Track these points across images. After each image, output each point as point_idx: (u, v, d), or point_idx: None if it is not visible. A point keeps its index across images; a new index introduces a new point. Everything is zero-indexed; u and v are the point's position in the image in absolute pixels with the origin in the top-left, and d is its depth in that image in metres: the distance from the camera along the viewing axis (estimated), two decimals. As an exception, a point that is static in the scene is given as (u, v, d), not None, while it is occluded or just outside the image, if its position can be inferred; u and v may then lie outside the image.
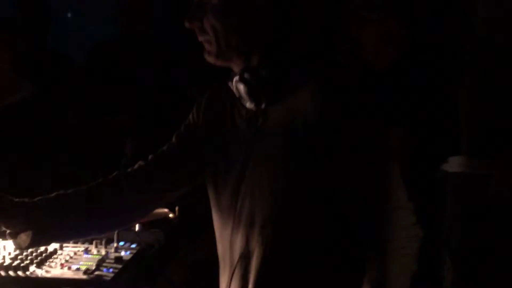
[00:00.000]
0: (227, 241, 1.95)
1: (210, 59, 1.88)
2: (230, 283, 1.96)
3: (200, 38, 1.87)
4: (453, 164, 2.71)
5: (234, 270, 1.94)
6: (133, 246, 2.38)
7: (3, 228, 2.00)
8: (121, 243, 2.40)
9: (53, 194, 1.99)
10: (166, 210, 2.70)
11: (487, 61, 2.79)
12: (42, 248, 2.27)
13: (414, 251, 1.75)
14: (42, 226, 1.94)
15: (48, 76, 4.15)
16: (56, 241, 2.25)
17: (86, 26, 5.03)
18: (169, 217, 2.69)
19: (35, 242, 1.95)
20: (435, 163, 2.74)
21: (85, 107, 4.22)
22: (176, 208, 2.71)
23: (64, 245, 2.35)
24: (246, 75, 1.84)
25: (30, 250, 2.22)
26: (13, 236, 1.93)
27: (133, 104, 4.20)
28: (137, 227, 2.53)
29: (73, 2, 5.08)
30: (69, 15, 5.01)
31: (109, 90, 4.37)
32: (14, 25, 3.39)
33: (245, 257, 1.90)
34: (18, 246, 1.96)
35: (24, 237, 1.92)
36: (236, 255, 1.92)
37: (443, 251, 2.81)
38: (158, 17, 4.67)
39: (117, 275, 2.09)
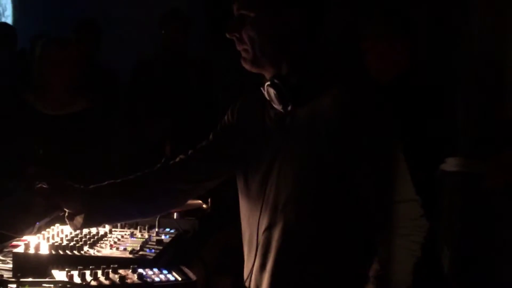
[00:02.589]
0: (255, 226, 1.96)
1: (246, 65, 1.90)
2: (254, 262, 1.97)
3: (239, 47, 1.89)
4: (451, 164, 2.68)
5: (258, 247, 1.95)
6: (172, 231, 2.40)
7: (61, 213, 2.05)
8: (162, 229, 2.41)
9: (104, 183, 2.03)
10: (200, 201, 2.71)
11: (481, 73, 2.79)
12: (94, 232, 2.29)
13: (421, 239, 1.77)
14: (94, 209, 1.98)
15: (101, 88, 4.19)
16: (105, 223, 2.28)
17: (131, 45, 5.06)
18: (203, 208, 2.71)
19: (88, 223, 1.99)
20: (435, 163, 2.74)
21: (132, 115, 4.27)
22: (209, 200, 2.71)
23: (113, 229, 2.38)
24: (276, 81, 1.86)
25: (83, 233, 2.25)
26: (70, 218, 1.98)
27: (172, 111, 4.23)
28: (175, 215, 2.55)
29: (120, 24, 5.13)
30: (116, 35, 5.05)
31: (152, 99, 4.41)
32: (73, 44, 3.42)
33: (268, 234, 1.91)
34: (73, 227, 2.00)
35: (79, 219, 1.96)
36: (261, 236, 1.94)
37: (441, 242, 2.80)
38: (193, 39, 4.71)
39: (158, 255, 2.10)
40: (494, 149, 2.67)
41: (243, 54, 1.90)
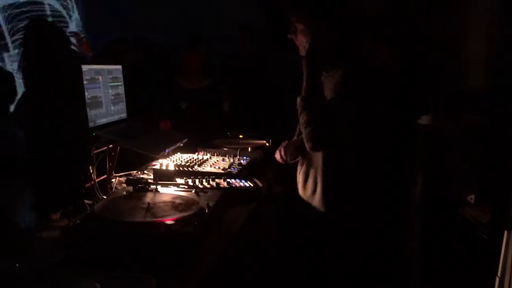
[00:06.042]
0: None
1: (302, 53, 1.91)
2: (300, 170, 1.99)
3: (296, 43, 1.91)
4: (423, 120, 2.65)
5: (302, 165, 1.97)
6: (247, 158, 2.44)
7: (181, 145, 2.14)
8: (241, 157, 2.46)
9: None
10: (264, 141, 2.77)
11: (443, 64, 2.73)
12: (200, 157, 2.37)
13: None
14: None
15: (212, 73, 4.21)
16: None
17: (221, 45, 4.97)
18: (266, 145, 2.75)
19: None
20: (415, 119, 2.70)
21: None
22: (270, 140, 2.77)
23: (212, 156, 2.45)
24: None
25: (194, 158, 2.32)
26: None
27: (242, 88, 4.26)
28: (249, 149, 2.60)
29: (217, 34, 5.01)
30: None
31: (231, 80, 4.40)
32: (200, 44, 3.82)
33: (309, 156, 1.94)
34: None
35: None
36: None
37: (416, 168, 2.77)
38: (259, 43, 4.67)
39: (239, 171, 2.17)
40: (450, 111, 2.64)
41: (298, 46, 1.92)
